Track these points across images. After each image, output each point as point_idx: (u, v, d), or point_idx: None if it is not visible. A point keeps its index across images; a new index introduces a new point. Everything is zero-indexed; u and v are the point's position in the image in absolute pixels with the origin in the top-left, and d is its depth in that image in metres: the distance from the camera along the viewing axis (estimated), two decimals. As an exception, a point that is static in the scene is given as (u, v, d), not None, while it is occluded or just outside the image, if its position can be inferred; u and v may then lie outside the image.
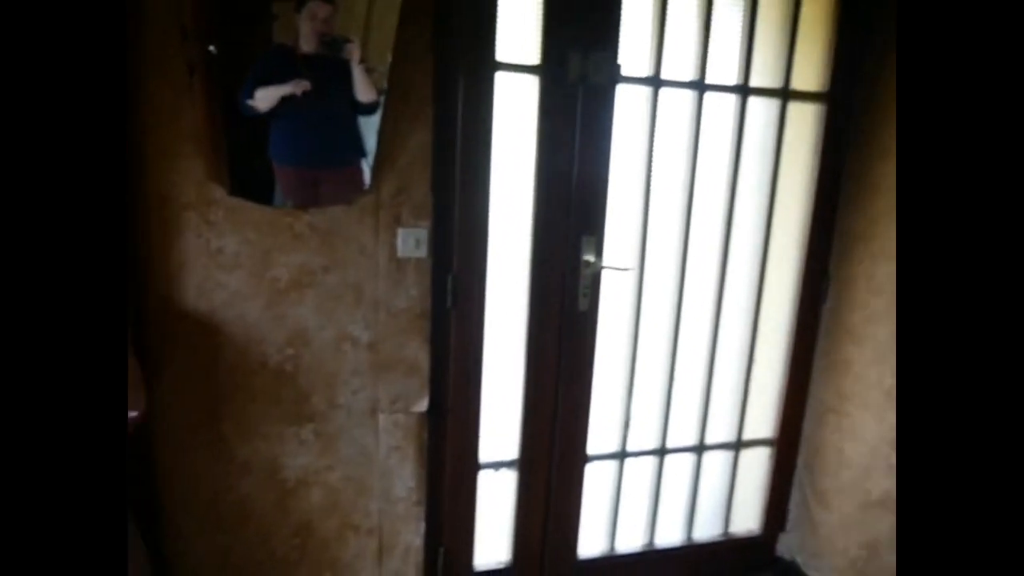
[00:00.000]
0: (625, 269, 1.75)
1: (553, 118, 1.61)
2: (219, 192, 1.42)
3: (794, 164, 1.87)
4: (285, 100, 1.43)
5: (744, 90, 1.77)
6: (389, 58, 1.46)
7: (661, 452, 1.98)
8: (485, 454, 1.78)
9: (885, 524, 1.80)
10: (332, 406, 1.61)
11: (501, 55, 1.55)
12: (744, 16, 1.73)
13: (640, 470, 1.99)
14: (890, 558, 1.80)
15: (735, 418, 2.03)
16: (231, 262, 1.46)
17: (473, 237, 1.60)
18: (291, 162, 1.50)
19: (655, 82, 1.69)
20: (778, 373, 2.02)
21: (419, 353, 1.64)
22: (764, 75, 1.79)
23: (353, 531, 1.71)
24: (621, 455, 1.94)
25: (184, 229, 1.42)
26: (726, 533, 2.12)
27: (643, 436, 1.96)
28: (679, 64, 1.72)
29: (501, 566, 1.89)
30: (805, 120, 1.85)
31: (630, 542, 2.03)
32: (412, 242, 1.56)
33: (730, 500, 2.10)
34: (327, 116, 1.50)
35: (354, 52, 1.44)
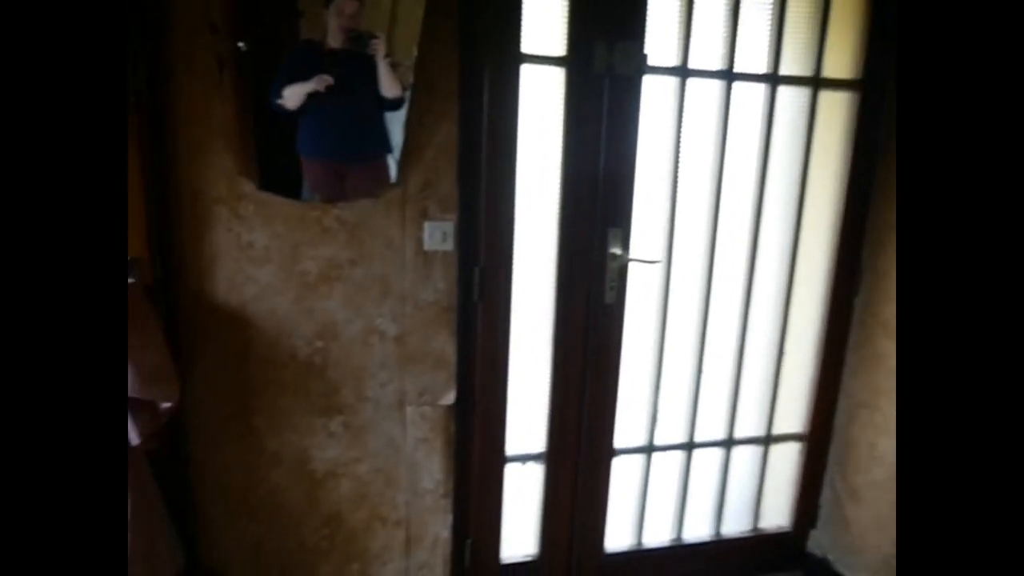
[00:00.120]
0: (652, 262, 1.73)
1: (579, 110, 1.60)
2: (249, 187, 1.44)
3: (825, 153, 1.83)
4: (312, 96, 1.44)
5: (773, 79, 1.74)
6: (415, 52, 1.46)
7: (689, 446, 1.96)
8: (512, 447, 1.78)
9: (920, 521, 1.76)
10: (360, 399, 1.62)
11: (526, 47, 1.54)
12: (773, 2, 1.69)
13: (668, 464, 1.98)
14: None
15: (764, 412, 2.00)
16: (261, 256, 1.48)
17: (499, 230, 1.60)
18: (318, 155, 1.52)
19: (682, 72, 1.67)
20: (809, 367, 1.98)
21: (446, 346, 1.64)
22: (794, 63, 1.75)
23: (381, 522, 1.73)
24: (648, 449, 1.93)
25: (215, 223, 1.45)
26: (755, 528, 2.10)
27: (671, 430, 1.94)
28: (706, 53, 1.69)
29: (528, 559, 1.89)
30: (837, 108, 1.81)
31: (658, 536, 2.02)
32: (439, 235, 1.56)
33: (759, 495, 2.08)
34: (353, 111, 1.51)
35: (379, 47, 1.44)
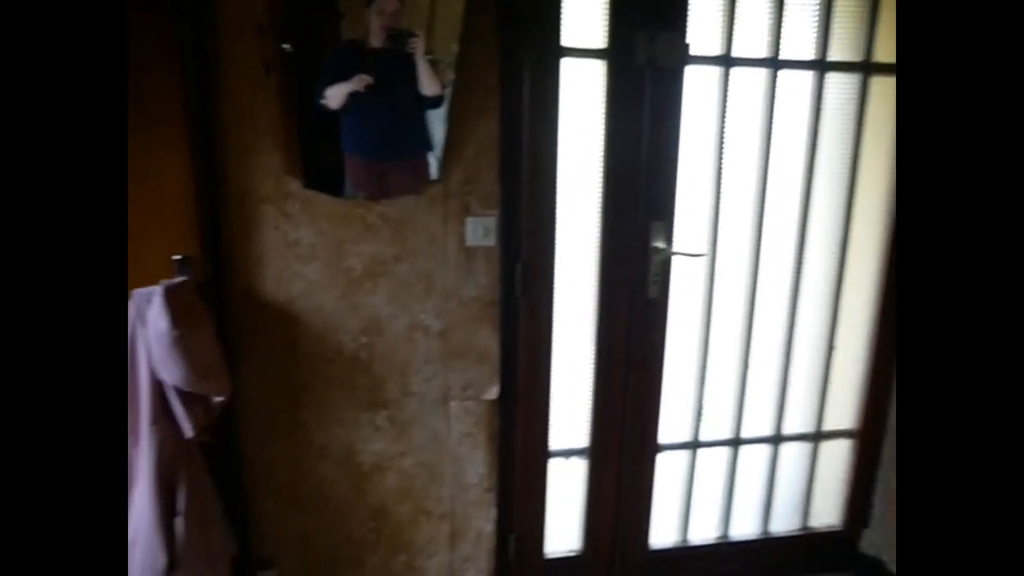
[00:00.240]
0: (696, 255, 1.71)
1: (620, 102, 1.59)
2: (295, 185, 1.47)
3: (877, 141, 1.77)
4: (353, 95, 1.46)
5: (822, 65, 1.69)
6: (455, 49, 1.47)
7: (735, 442, 1.93)
8: (555, 442, 1.78)
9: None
10: (405, 393, 1.64)
11: (566, 40, 1.53)
12: (821, -15, 1.65)
13: (713, 460, 1.95)
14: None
15: (814, 408, 1.96)
16: (307, 253, 1.51)
17: (541, 225, 1.60)
18: (360, 153, 1.54)
19: (726, 61, 1.64)
20: (861, 361, 1.93)
21: (489, 341, 1.65)
22: (843, 48, 1.70)
23: (426, 516, 1.75)
24: (694, 445, 1.90)
25: (262, 222, 1.48)
26: (805, 527, 2.05)
27: (716, 426, 1.91)
28: (751, 41, 1.66)
29: (572, 554, 1.89)
30: (889, 95, 1.75)
31: (703, 533, 1.99)
32: (481, 231, 1.57)
33: (809, 493, 2.03)
34: (394, 109, 1.53)
35: (418, 45, 1.45)
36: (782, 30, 1.65)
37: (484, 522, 1.78)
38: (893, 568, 1.97)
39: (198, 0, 1.34)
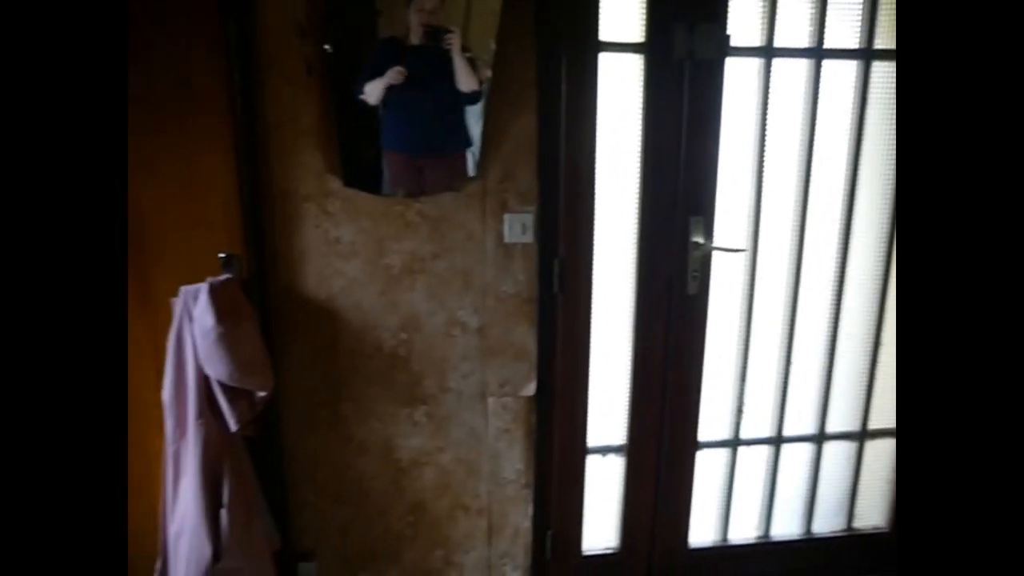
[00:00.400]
0: (737, 250, 1.68)
1: (658, 96, 1.57)
2: (336, 183, 1.49)
3: (925, 132, 1.72)
4: (392, 91, 1.47)
5: (867, 54, 1.64)
6: (492, 45, 1.47)
7: (777, 441, 1.89)
8: (593, 438, 1.77)
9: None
10: (443, 389, 1.65)
11: (604, 35, 1.52)
12: (867, -29, 1.60)
13: (754, 459, 1.92)
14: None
15: (859, 406, 1.91)
16: (348, 250, 1.53)
17: (579, 221, 1.59)
18: (399, 150, 1.55)
19: (767, 52, 1.61)
20: (907, 359, 1.87)
21: (527, 338, 1.65)
22: (890, 35, 1.65)
23: (463, 511, 1.76)
24: (734, 443, 1.88)
25: (304, 220, 1.51)
26: (849, 528, 2.00)
27: (757, 424, 1.88)
28: (793, 30, 1.62)
29: (609, 551, 1.88)
30: (938, 83, 1.69)
31: (743, 533, 1.97)
32: (518, 227, 1.57)
33: (853, 493, 1.98)
34: (433, 105, 1.53)
35: (454, 41, 1.46)
36: (826, 19, 1.61)
37: (521, 518, 1.79)
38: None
39: (243, 3, 1.37)
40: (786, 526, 1.98)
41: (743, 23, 1.58)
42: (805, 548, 1.97)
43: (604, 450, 1.83)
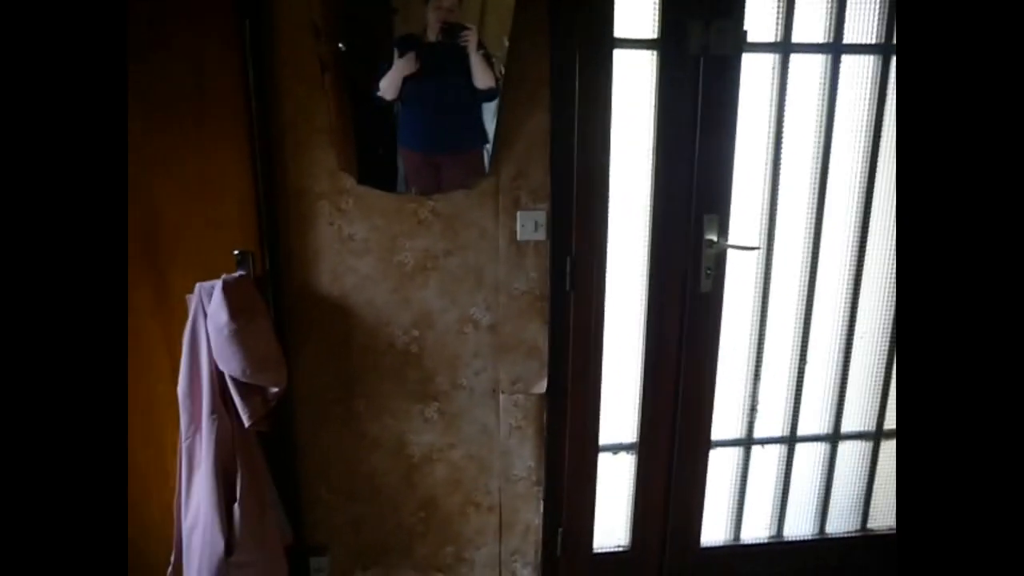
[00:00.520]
0: (751, 248, 1.67)
1: (673, 93, 1.56)
2: (349, 181, 1.50)
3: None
4: (408, 86, 1.46)
5: (886, 49, 1.62)
6: (506, 43, 1.46)
7: (791, 440, 1.88)
8: (605, 436, 1.77)
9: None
10: (455, 386, 1.66)
11: (618, 31, 1.51)
12: (886, -35, 1.58)
13: (767, 458, 1.90)
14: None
15: (874, 406, 1.89)
16: (361, 248, 1.54)
17: (591, 218, 1.58)
18: (416, 147, 1.54)
19: (784, 48, 1.59)
20: (924, 359, 1.85)
21: (538, 335, 1.65)
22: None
23: (475, 507, 1.76)
24: (747, 442, 1.87)
25: (318, 218, 1.51)
26: (863, 528, 1.99)
27: (771, 423, 1.87)
28: (811, 26, 1.60)
29: (621, 549, 1.88)
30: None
31: (756, 532, 1.96)
32: (531, 225, 1.56)
33: (868, 493, 1.97)
34: (450, 102, 1.53)
35: (470, 39, 1.45)
36: (845, 13, 1.58)
37: (532, 515, 1.79)
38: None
39: (257, 2, 1.37)
40: (799, 526, 1.97)
41: (759, 18, 1.57)
42: (818, 548, 1.96)
43: (616, 448, 1.82)
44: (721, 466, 1.88)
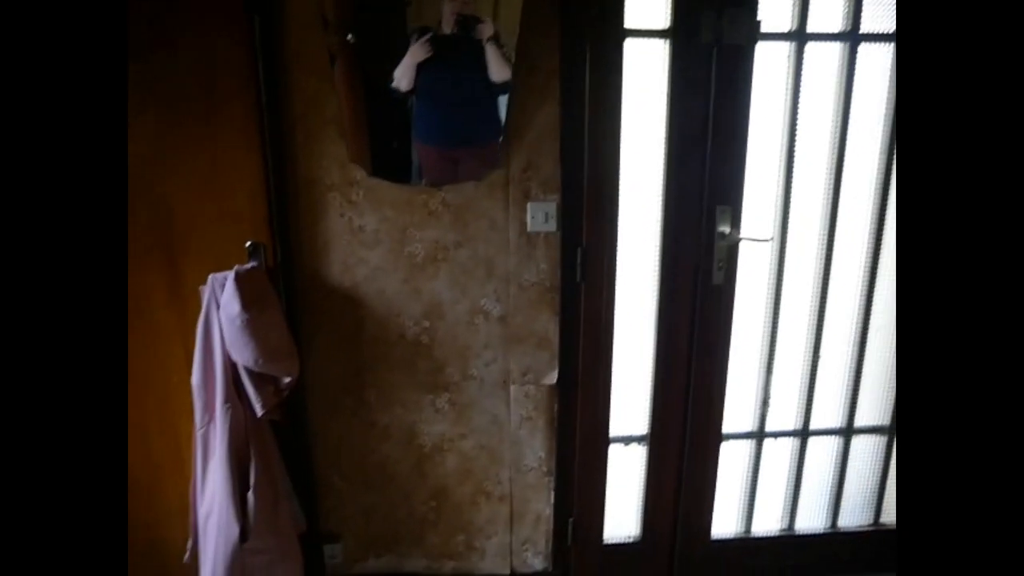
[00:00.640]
0: (764, 240, 1.65)
1: (685, 83, 1.54)
2: (360, 173, 1.50)
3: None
4: (424, 76, 1.46)
5: (905, 38, 1.58)
6: (516, 33, 1.45)
7: (803, 433, 1.87)
8: (615, 428, 1.77)
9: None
10: (465, 377, 1.66)
11: (629, 20, 1.49)
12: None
13: (779, 451, 1.89)
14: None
15: (889, 400, 1.87)
16: (371, 239, 1.55)
17: (602, 209, 1.57)
18: (433, 142, 1.54)
19: (800, 36, 1.56)
20: (941, 352, 1.82)
21: (549, 326, 1.65)
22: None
23: (485, 497, 1.77)
24: (759, 435, 1.86)
25: (328, 209, 1.52)
26: (876, 523, 1.97)
27: (783, 416, 1.86)
28: (827, 14, 1.57)
29: (631, 540, 1.89)
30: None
31: (767, 525, 1.95)
32: (541, 216, 1.56)
33: (882, 487, 1.95)
34: (466, 96, 1.52)
35: (485, 31, 1.44)
36: (863, 1, 1.55)
37: (543, 505, 1.80)
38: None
39: (267, -6, 1.38)
40: (811, 520, 1.96)
41: (774, 7, 1.54)
42: (830, 542, 1.95)
43: (627, 440, 1.82)
44: (733, 459, 1.87)
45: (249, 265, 1.44)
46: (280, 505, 1.49)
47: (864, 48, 1.59)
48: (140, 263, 1.46)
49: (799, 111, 1.61)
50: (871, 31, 1.58)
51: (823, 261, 1.72)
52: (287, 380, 1.45)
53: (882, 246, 1.73)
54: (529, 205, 1.56)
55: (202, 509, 1.46)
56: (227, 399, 1.38)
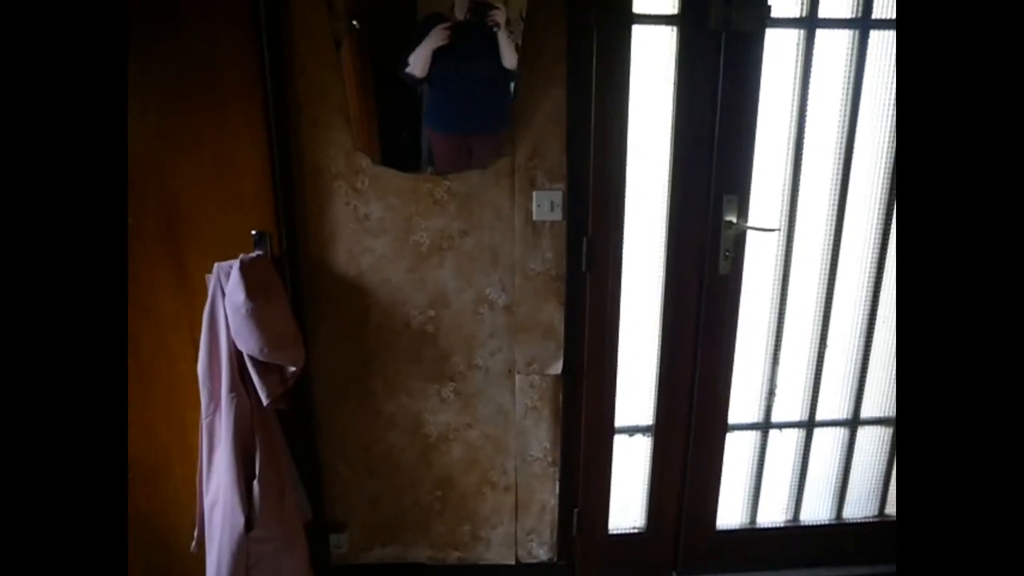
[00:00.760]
0: (771, 230, 1.64)
1: (692, 70, 1.52)
2: (365, 161, 1.49)
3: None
4: (437, 64, 1.45)
5: (916, 25, 1.56)
6: (523, 17, 1.44)
7: (809, 424, 1.86)
8: (621, 418, 1.76)
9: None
10: (471, 366, 1.66)
11: (637, 6, 1.48)
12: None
13: (785, 442, 1.89)
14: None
15: (894, 392, 1.86)
16: (377, 228, 1.54)
17: (608, 198, 1.56)
18: (447, 129, 1.53)
19: (810, 23, 1.54)
20: (949, 343, 1.81)
21: (554, 316, 1.64)
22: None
23: (491, 487, 1.77)
24: (765, 426, 1.85)
25: (334, 197, 1.51)
26: (881, 514, 1.97)
27: (789, 407, 1.85)
28: (838, 0, 1.55)
29: (636, 530, 1.89)
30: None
31: (773, 516, 1.95)
32: (547, 205, 1.55)
33: (887, 479, 1.94)
34: (479, 83, 1.51)
35: (499, 18, 1.43)
36: (872, -13, 1.54)
37: (548, 495, 1.80)
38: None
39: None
40: (816, 511, 1.96)
41: (784, -8, 1.52)
42: (835, 533, 1.95)
43: (632, 430, 1.82)
44: (738, 449, 1.87)
45: (254, 254, 1.43)
46: (286, 494, 1.49)
47: (875, 35, 1.57)
48: (146, 252, 1.46)
49: (808, 99, 1.59)
50: (882, 17, 1.56)
51: (830, 252, 1.71)
52: (292, 369, 1.45)
53: (890, 237, 1.71)
54: (535, 194, 1.55)
55: (208, 498, 1.47)
56: (233, 388, 1.38)
